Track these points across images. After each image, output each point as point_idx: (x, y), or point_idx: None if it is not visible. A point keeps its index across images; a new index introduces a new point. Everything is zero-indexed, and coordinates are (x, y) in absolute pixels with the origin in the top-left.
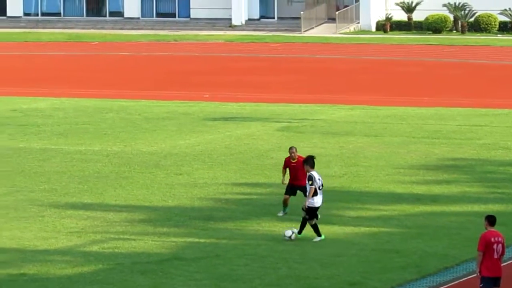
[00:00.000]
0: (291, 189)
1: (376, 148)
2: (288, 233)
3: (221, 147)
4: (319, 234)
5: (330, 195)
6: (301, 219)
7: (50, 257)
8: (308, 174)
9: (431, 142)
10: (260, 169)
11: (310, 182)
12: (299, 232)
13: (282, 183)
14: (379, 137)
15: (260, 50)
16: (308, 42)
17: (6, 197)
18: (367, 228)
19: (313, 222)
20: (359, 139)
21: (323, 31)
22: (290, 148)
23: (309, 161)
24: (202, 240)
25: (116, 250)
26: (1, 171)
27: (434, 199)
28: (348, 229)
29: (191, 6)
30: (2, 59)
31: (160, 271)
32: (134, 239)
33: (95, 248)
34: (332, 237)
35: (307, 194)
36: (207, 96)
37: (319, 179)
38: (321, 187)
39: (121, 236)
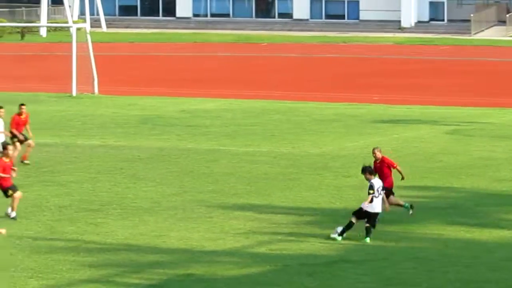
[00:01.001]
0: None
1: None
2: (338, 229)
3: (389, 149)
4: (366, 235)
5: (500, 199)
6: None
7: (218, 258)
8: (369, 182)
9: None
10: (428, 172)
11: (372, 191)
12: (341, 233)
13: None
14: None
15: (429, 52)
16: (478, 45)
17: (174, 198)
18: None
19: (366, 225)
20: None
21: (493, 33)
22: (374, 149)
23: (367, 169)
24: (369, 243)
25: (283, 251)
26: (170, 171)
27: None
28: None
29: (360, 8)
30: (171, 60)
31: (327, 273)
32: (301, 241)
33: (262, 249)
34: (501, 241)
35: (365, 200)
36: (376, 98)
37: (379, 187)
38: (379, 195)
39: (288, 238)
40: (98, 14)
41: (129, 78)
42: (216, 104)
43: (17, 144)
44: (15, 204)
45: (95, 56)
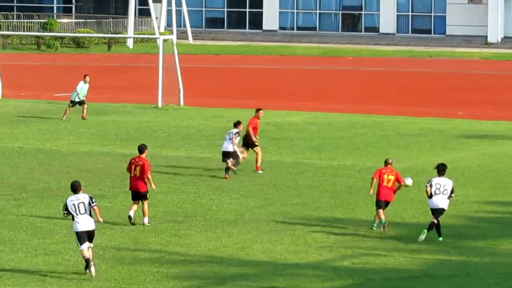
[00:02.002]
0: None
1: None
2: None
3: (474, 164)
4: (438, 234)
5: None
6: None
7: (301, 271)
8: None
9: None
10: None
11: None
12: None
13: None
14: None
15: None
16: None
17: (258, 210)
18: None
19: (434, 221)
20: None
21: None
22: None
23: (437, 167)
24: (453, 258)
25: (366, 265)
26: (254, 184)
27: None
28: None
29: (447, 23)
30: (256, 72)
31: (410, 287)
32: (385, 255)
33: (345, 263)
34: None
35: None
36: (461, 113)
37: (437, 184)
38: (438, 192)
39: (372, 252)
40: (184, 26)
41: (215, 90)
42: (302, 117)
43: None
44: None
45: (181, 68)
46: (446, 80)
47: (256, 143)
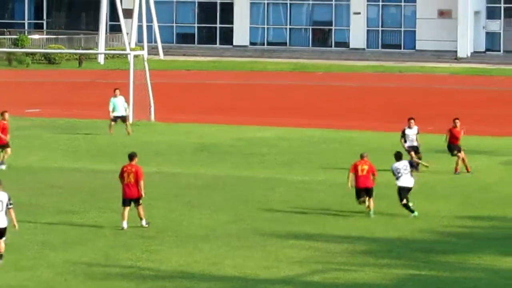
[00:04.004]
0: None
1: None
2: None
3: (445, 179)
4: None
5: None
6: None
7: (272, 286)
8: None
9: None
10: (483, 202)
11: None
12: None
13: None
14: None
15: (485, 83)
16: None
17: (229, 225)
18: None
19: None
20: None
21: None
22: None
23: (395, 155)
24: (423, 273)
25: (337, 280)
26: (225, 199)
27: None
28: None
29: (417, 38)
30: (227, 88)
31: None
32: (355, 270)
33: (316, 278)
34: None
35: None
36: (431, 128)
37: (398, 167)
38: (402, 172)
39: (342, 267)
40: (155, 42)
41: (186, 105)
42: (273, 132)
43: None
44: None
45: (152, 84)
46: (416, 95)
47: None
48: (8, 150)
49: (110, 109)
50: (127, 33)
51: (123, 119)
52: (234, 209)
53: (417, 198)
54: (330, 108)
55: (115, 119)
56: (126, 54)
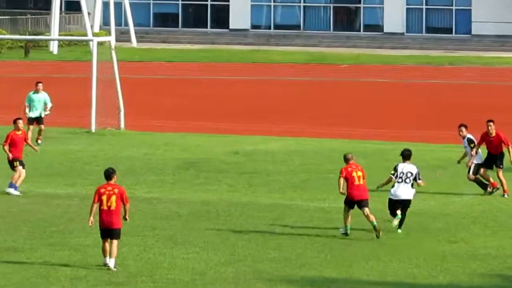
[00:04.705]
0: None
1: None
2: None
3: (510, 207)
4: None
5: None
6: None
7: None
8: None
9: None
10: None
11: (393, 172)
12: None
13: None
14: None
15: None
16: None
17: (224, 268)
18: None
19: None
20: None
21: None
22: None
23: (403, 153)
24: None
25: None
26: (219, 232)
27: None
28: None
29: (472, 19)
30: (221, 85)
31: None
32: None
33: None
34: None
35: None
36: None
37: (401, 173)
38: (402, 180)
39: None
40: (126, 25)
41: (166, 109)
42: (281, 144)
43: None
44: None
45: (122, 80)
46: (470, 96)
47: None
48: (21, 168)
49: (27, 109)
50: (89, 14)
51: (38, 121)
52: (230, 246)
53: (472, 231)
54: (357, 112)
55: (31, 121)
56: (88, 41)
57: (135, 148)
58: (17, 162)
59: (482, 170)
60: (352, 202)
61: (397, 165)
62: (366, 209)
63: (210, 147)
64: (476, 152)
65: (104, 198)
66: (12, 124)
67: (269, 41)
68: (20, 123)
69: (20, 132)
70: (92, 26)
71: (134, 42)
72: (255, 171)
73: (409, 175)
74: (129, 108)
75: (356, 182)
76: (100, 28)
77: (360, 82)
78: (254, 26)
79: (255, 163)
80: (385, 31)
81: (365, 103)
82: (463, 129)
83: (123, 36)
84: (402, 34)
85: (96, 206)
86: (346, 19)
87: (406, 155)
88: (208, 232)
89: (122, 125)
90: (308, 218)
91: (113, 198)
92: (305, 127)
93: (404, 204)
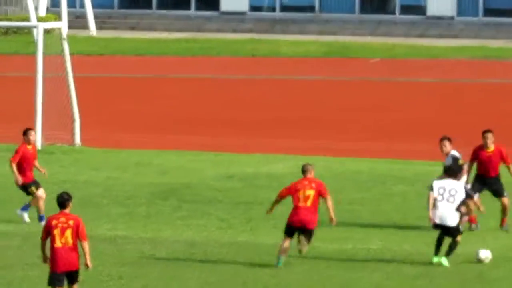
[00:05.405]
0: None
1: None
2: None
3: None
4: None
5: None
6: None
7: None
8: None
9: None
10: None
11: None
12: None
13: None
14: None
15: None
16: None
17: None
18: None
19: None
20: None
21: None
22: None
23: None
24: None
25: None
26: (207, 283)
27: None
28: None
29: None
30: (209, 86)
31: None
32: None
33: None
34: None
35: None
36: None
37: (440, 189)
38: (441, 198)
39: None
40: (82, 6)
41: (137, 118)
42: (289, 164)
43: None
44: None
45: (77, 80)
46: None
47: None
48: (41, 192)
49: None
50: None
51: None
52: None
53: None
54: (391, 122)
55: None
56: (30, 28)
57: (94, 170)
58: (33, 187)
59: (475, 197)
60: (293, 228)
61: (433, 182)
62: (304, 240)
63: (196, 170)
64: (468, 172)
65: (57, 232)
66: (22, 136)
67: (274, 27)
68: (32, 135)
69: (31, 147)
70: (36, 8)
71: (93, 30)
72: (254, 201)
73: (453, 192)
74: (87, 118)
75: (301, 204)
76: (48, 11)
77: (395, 82)
78: (253, 8)
79: (255, 191)
80: (428, 14)
81: (403, 110)
82: (447, 143)
83: (78, 21)
84: (452, 18)
85: (46, 244)
86: None
87: (447, 170)
88: (193, 283)
89: (78, 140)
90: (324, 265)
91: (68, 232)
92: (321, 143)
93: (449, 232)
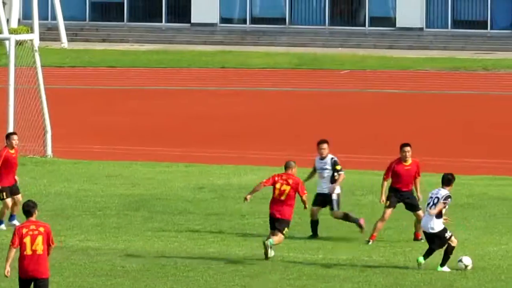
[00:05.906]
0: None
1: None
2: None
3: None
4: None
5: None
6: None
7: None
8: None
9: None
10: None
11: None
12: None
13: None
14: None
15: None
16: None
17: None
18: None
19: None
20: None
21: None
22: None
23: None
24: None
25: None
26: None
27: None
28: None
29: None
30: (179, 98)
31: None
32: None
33: None
34: None
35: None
36: None
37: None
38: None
39: None
40: (54, 19)
41: (108, 130)
42: (259, 175)
43: None
44: None
45: (48, 91)
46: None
47: None
48: (8, 200)
49: None
50: (4, 3)
51: None
52: None
53: None
54: (361, 133)
55: None
56: (3, 39)
57: (66, 182)
58: (5, 193)
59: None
60: (270, 219)
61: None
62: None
63: (166, 181)
64: (382, 185)
65: (27, 240)
66: (5, 140)
67: (245, 39)
68: (15, 140)
69: (13, 151)
70: (8, 20)
71: (64, 42)
72: (225, 212)
73: (435, 201)
74: (59, 129)
75: (276, 196)
76: (19, 23)
77: (365, 93)
78: (224, 20)
79: (225, 202)
80: (398, 25)
81: (373, 121)
82: (325, 145)
83: (50, 33)
84: (421, 29)
85: (15, 251)
86: (347, 10)
87: (443, 180)
88: None
89: (49, 151)
90: (296, 274)
91: (39, 239)
92: (292, 153)
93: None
